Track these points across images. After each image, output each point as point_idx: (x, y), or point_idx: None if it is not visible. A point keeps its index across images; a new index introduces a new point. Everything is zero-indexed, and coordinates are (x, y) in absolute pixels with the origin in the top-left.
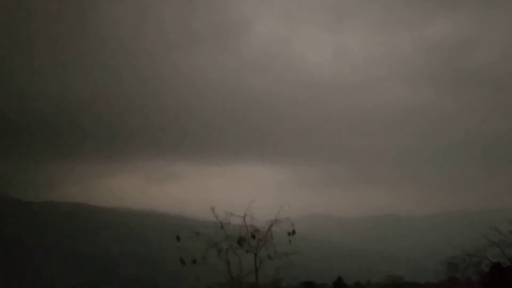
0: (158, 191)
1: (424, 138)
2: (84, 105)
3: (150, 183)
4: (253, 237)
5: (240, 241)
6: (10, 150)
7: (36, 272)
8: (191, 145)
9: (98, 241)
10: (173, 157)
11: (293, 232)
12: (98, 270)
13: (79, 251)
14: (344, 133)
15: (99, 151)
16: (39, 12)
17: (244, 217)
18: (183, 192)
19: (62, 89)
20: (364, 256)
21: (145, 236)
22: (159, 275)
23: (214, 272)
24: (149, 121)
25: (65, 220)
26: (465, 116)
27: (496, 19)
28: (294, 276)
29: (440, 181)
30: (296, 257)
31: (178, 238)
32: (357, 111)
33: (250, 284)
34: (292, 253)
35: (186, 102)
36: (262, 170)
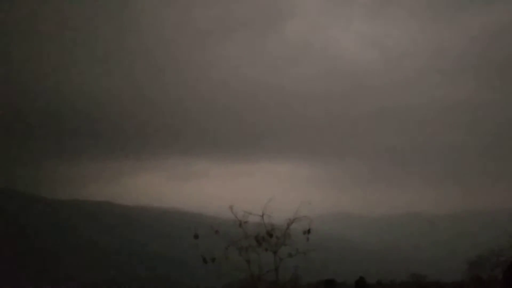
0: (179, 190)
1: (452, 133)
2: (108, 105)
3: (172, 181)
4: (271, 235)
5: (259, 239)
6: (40, 152)
7: (62, 268)
8: (213, 143)
9: (120, 239)
10: (194, 156)
11: (309, 231)
12: (120, 267)
13: (102, 248)
14: (368, 130)
15: (123, 150)
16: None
17: (262, 216)
18: (204, 190)
19: (89, 90)
20: (386, 255)
21: (166, 234)
22: (180, 272)
23: (234, 270)
24: (172, 120)
25: (89, 218)
26: (508, 109)
27: None
28: (314, 274)
29: (463, 178)
30: (316, 255)
31: (196, 236)
32: (389, 108)
33: (270, 282)
34: (310, 251)
35: (208, 99)
36: (283, 168)
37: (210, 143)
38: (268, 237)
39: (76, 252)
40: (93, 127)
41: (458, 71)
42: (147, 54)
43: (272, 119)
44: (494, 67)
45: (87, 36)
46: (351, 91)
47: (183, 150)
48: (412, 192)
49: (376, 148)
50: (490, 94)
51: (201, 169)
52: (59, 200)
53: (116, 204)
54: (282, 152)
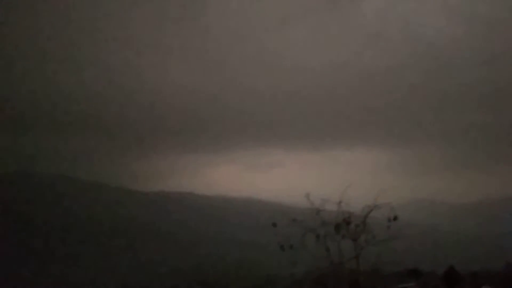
0: (256, 180)
1: None
2: (192, 101)
3: (248, 172)
4: (349, 223)
5: (337, 227)
6: (126, 145)
7: (151, 254)
8: (287, 133)
9: (203, 227)
10: (270, 147)
11: (395, 218)
12: (205, 254)
13: (187, 237)
14: (455, 110)
15: (204, 143)
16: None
17: (339, 203)
18: (280, 179)
19: (171, 85)
20: (479, 244)
21: (245, 223)
22: (260, 259)
23: (312, 258)
24: (246, 112)
25: (175, 208)
26: None
27: None
28: (398, 262)
29: None
30: (399, 244)
31: (274, 225)
32: (477, 85)
33: (351, 270)
34: (392, 239)
35: (281, 88)
36: (361, 154)
37: (284, 133)
38: (346, 224)
39: (166, 239)
40: (180, 124)
41: None
42: (214, 49)
43: (347, 105)
44: None
45: (175, 35)
46: (434, 69)
47: (258, 142)
48: (506, 175)
49: (463, 130)
50: None
51: (276, 159)
52: (148, 192)
53: (198, 195)
54: (360, 138)
